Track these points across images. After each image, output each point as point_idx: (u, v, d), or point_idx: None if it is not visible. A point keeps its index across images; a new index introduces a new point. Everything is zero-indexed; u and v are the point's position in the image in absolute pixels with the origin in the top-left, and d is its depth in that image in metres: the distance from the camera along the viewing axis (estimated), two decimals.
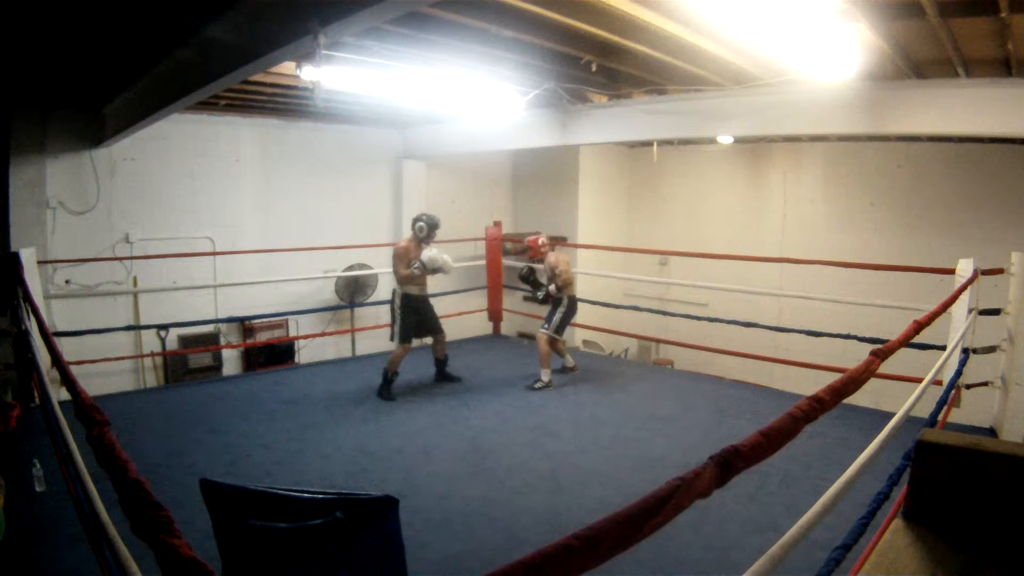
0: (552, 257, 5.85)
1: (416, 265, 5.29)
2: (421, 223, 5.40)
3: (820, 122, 5.46)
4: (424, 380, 5.99)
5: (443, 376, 5.93)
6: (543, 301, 5.96)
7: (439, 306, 8.51)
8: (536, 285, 6.06)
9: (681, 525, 2.68)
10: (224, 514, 1.91)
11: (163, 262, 6.66)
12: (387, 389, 5.43)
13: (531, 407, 5.24)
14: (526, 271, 6.25)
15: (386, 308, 8.61)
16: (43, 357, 3.90)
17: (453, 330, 8.39)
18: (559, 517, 3.44)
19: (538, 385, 5.68)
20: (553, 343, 5.87)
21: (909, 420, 2.49)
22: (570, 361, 6.15)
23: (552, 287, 5.80)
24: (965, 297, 4.10)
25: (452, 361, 6.10)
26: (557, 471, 4.08)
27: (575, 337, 9.34)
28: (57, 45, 4.24)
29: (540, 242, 5.96)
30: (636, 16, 3.75)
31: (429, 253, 5.29)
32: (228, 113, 7.09)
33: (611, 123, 6.39)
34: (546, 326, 5.81)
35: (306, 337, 7.61)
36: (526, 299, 9.87)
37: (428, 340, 5.90)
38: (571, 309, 5.87)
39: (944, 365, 3.34)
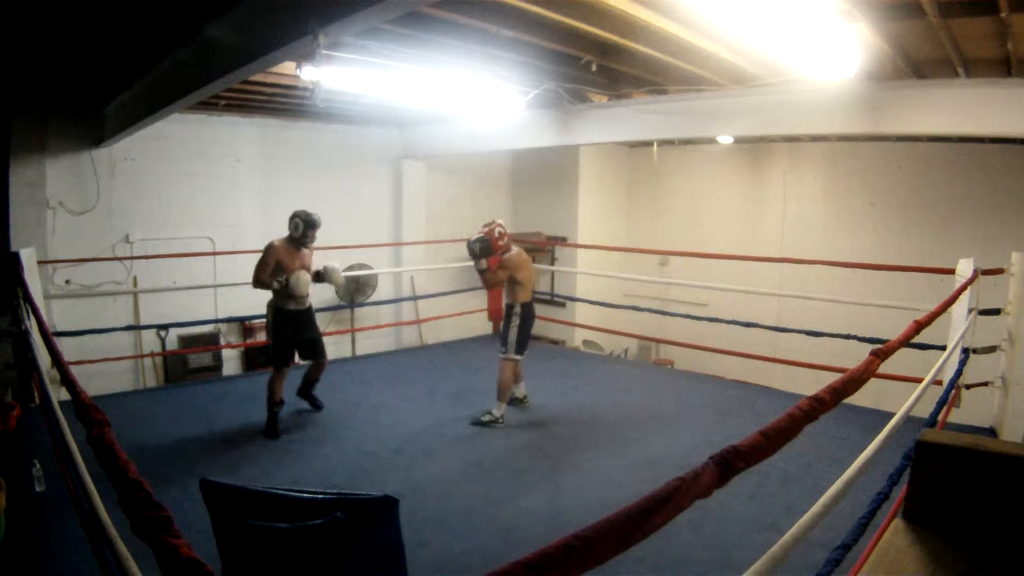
0: (507, 256, 4.82)
1: (280, 278, 4.47)
2: (297, 219, 4.58)
3: (820, 122, 5.46)
4: (424, 380, 5.99)
5: (306, 394, 5.00)
6: (472, 255, 4.84)
7: (438, 306, 8.60)
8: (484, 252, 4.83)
9: (681, 525, 2.68)
10: (224, 514, 1.92)
11: (163, 262, 6.66)
12: (272, 424, 4.54)
13: (531, 407, 5.23)
14: (476, 246, 4.83)
15: (387, 308, 8.72)
16: (43, 357, 3.90)
17: (453, 330, 8.45)
18: (559, 517, 3.44)
19: (485, 418, 4.79)
20: (514, 367, 4.98)
21: (909, 420, 2.48)
22: (521, 391, 5.23)
23: (483, 262, 4.79)
24: (965, 297, 4.10)
25: (452, 361, 6.09)
26: (557, 471, 4.07)
27: (575, 337, 9.35)
28: (57, 45, 4.24)
29: (496, 234, 4.78)
30: (636, 16, 3.76)
31: (296, 276, 4.48)
32: (228, 113, 7.09)
33: (611, 123, 6.39)
34: (503, 349, 4.84)
35: None
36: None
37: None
38: (528, 321, 4.90)
39: (944, 365, 3.34)
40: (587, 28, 4.10)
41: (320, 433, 4.64)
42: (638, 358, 9.41)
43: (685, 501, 1.11)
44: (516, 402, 5.21)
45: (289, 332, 4.64)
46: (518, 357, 4.89)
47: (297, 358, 4.87)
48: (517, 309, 4.86)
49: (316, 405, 5.05)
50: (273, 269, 4.49)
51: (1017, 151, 6.96)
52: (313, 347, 4.81)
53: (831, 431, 4.38)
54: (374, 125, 8.30)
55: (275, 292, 4.56)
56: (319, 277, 4.76)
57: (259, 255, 4.29)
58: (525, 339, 4.91)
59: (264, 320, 4.84)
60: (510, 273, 4.81)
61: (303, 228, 4.57)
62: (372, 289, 7.98)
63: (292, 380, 4.88)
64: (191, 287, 6.77)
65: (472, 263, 4.96)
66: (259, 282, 4.54)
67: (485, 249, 4.83)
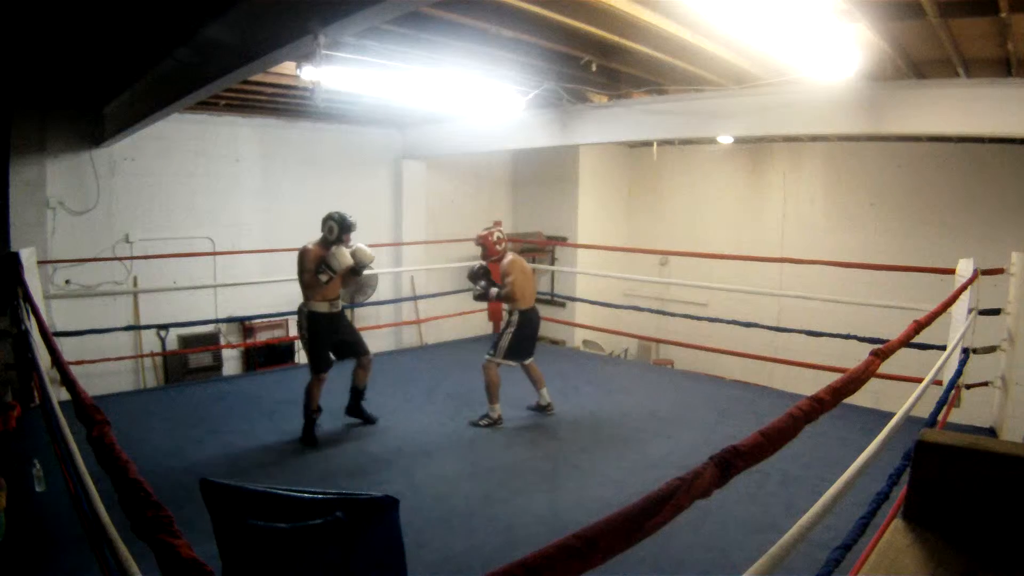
0: (507, 261, 4.80)
1: (322, 270, 4.36)
2: (332, 222, 4.48)
3: (820, 122, 5.46)
4: (424, 380, 5.99)
5: (357, 411, 4.80)
6: (478, 298, 4.96)
7: (438, 306, 8.60)
8: (488, 284, 4.90)
9: (681, 525, 2.68)
10: (224, 514, 1.91)
11: (163, 262, 6.66)
12: (309, 431, 4.49)
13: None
14: (478, 269, 4.96)
15: (387, 308, 8.71)
16: (43, 357, 3.89)
17: (453, 330, 8.44)
18: (559, 517, 3.44)
19: (483, 422, 4.78)
20: (530, 370, 4.95)
21: (909, 420, 2.48)
22: (545, 398, 5.01)
23: (493, 291, 4.82)
24: (965, 297, 4.10)
25: (452, 361, 6.06)
26: (557, 471, 4.08)
27: (575, 337, 9.36)
28: (57, 45, 4.25)
29: (494, 238, 4.85)
30: (636, 16, 3.75)
31: (332, 254, 4.37)
32: (228, 113, 7.09)
33: (611, 123, 6.39)
34: (491, 351, 4.79)
35: None
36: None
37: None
38: (525, 327, 4.82)
39: (944, 365, 3.34)
40: (587, 28, 4.10)
41: (320, 433, 4.63)
42: (638, 358, 9.41)
43: (685, 501, 1.11)
44: (541, 409, 5.03)
45: (326, 335, 4.52)
46: (501, 361, 4.80)
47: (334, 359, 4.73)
48: (515, 316, 4.81)
49: (369, 419, 4.79)
50: (315, 268, 4.40)
51: (1017, 151, 6.96)
52: (353, 346, 4.67)
53: (831, 431, 4.37)
54: (374, 125, 8.30)
55: (319, 294, 4.46)
56: (354, 271, 4.63)
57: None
58: (521, 345, 4.83)
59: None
60: (514, 277, 4.77)
61: (338, 231, 4.47)
62: (372, 289, 7.98)
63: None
64: (191, 287, 6.77)
65: (488, 299, 4.94)
66: (308, 287, 4.45)
67: (488, 282, 4.86)
